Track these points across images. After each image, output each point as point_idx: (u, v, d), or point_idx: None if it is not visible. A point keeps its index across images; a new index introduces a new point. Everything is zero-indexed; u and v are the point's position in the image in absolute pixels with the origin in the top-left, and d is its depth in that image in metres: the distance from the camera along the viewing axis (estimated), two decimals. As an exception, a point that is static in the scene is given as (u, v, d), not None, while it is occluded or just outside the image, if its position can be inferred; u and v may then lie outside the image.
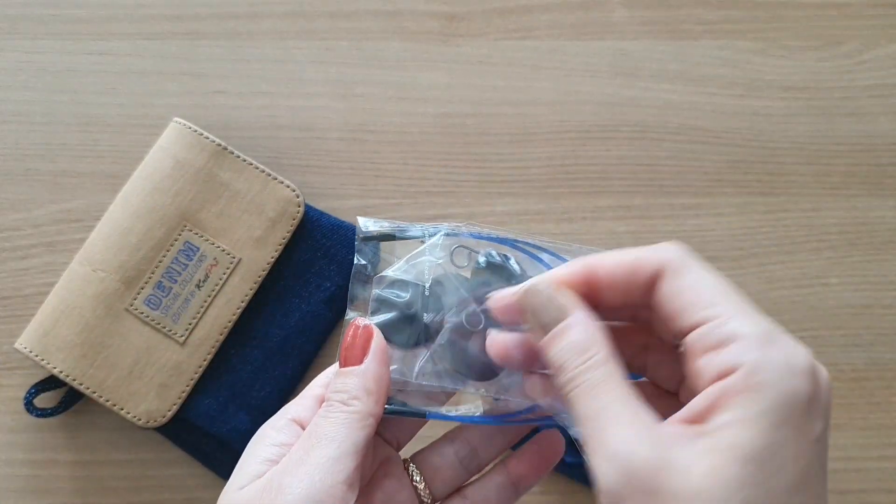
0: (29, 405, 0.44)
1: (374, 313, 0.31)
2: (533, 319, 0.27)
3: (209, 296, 0.45)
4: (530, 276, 0.30)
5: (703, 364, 0.24)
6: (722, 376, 0.23)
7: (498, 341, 0.29)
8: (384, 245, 0.32)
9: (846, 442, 0.47)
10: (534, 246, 0.32)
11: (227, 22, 0.52)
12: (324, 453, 0.27)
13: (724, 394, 0.23)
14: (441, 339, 0.31)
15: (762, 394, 0.23)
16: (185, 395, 0.44)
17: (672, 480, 0.22)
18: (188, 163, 0.46)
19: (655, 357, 0.29)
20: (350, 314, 0.31)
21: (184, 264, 0.45)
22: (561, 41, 0.52)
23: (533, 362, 0.28)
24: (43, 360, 0.44)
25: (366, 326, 0.30)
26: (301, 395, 0.31)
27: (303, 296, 0.47)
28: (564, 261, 0.31)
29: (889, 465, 0.47)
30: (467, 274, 0.32)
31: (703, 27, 0.53)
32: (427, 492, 0.31)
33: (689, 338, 0.25)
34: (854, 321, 0.49)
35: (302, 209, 0.47)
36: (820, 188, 0.51)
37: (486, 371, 0.31)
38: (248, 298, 0.45)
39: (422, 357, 0.31)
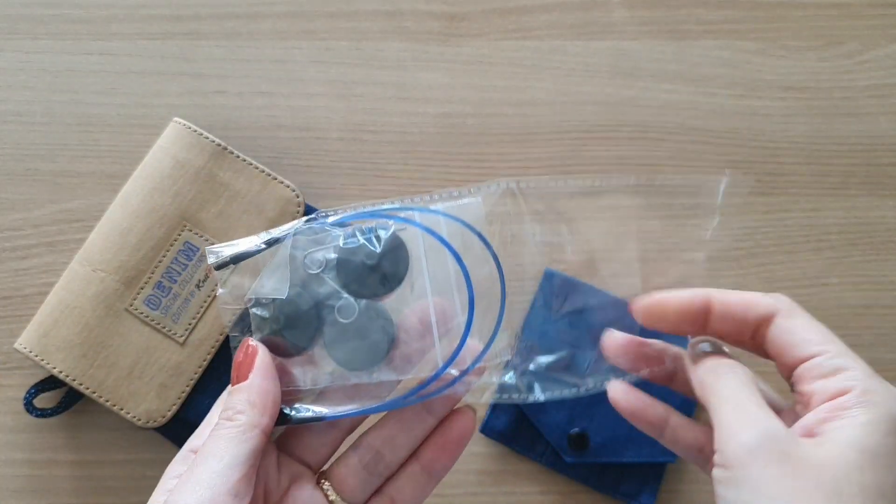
0: (29, 405, 0.44)
1: (256, 331, 0.31)
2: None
3: (209, 296, 0.45)
4: (391, 243, 0.31)
5: (817, 388, 0.28)
6: (834, 398, 0.27)
7: (617, 341, 0.32)
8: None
9: (846, 442, 0.47)
10: (393, 209, 0.32)
11: (227, 22, 0.52)
12: (208, 468, 0.28)
13: (837, 408, 0.27)
14: (325, 339, 0.31)
15: (875, 408, 0.26)
16: (184, 394, 0.44)
17: (803, 449, 0.26)
18: (188, 163, 0.46)
19: None
20: (234, 336, 0.32)
21: (184, 264, 0.45)
22: (561, 41, 0.52)
23: (640, 363, 0.32)
24: (43, 360, 0.44)
25: (251, 346, 0.31)
26: (201, 425, 0.32)
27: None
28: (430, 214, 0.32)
29: (889, 465, 0.47)
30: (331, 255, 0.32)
31: (703, 27, 0.53)
32: (342, 501, 0.32)
33: (803, 367, 0.28)
34: (854, 321, 0.49)
35: (302, 209, 0.47)
36: (820, 188, 0.51)
37: (372, 355, 0.31)
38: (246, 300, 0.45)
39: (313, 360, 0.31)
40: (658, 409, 0.32)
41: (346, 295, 0.31)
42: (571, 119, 0.51)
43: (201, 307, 0.45)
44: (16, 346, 0.44)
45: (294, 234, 0.32)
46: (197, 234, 0.46)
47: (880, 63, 0.52)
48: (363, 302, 0.31)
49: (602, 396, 0.45)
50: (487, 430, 0.46)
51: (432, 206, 0.32)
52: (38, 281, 0.48)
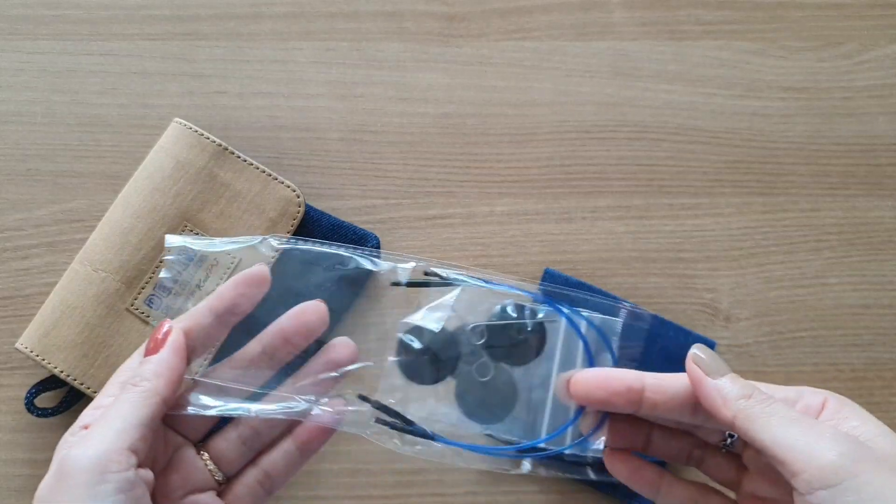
0: (30, 405, 0.44)
1: (398, 355, 0.37)
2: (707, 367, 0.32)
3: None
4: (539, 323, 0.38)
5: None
6: (821, 408, 0.31)
7: (589, 378, 0.33)
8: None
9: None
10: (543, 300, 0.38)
11: (227, 22, 0.52)
12: (111, 426, 0.31)
13: (831, 416, 0.30)
14: (456, 386, 0.37)
15: (852, 406, 0.31)
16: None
17: (881, 450, 0.28)
18: (189, 163, 0.47)
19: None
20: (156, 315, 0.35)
21: (184, 264, 0.45)
22: (560, 42, 0.52)
23: (613, 401, 0.33)
24: (44, 359, 0.44)
25: (170, 327, 0.34)
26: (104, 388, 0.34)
27: (303, 296, 0.47)
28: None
29: (888, 464, 0.47)
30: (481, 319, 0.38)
31: (702, 28, 0.53)
32: (217, 469, 0.35)
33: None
34: (853, 321, 0.49)
35: (302, 209, 0.47)
36: (819, 188, 0.51)
37: (495, 413, 0.37)
38: (248, 298, 0.46)
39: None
40: (652, 470, 0.34)
41: (485, 357, 0.37)
42: (571, 119, 0.51)
43: (202, 307, 0.45)
44: (17, 345, 0.45)
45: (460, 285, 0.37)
46: (198, 234, 0.46)
47: (879, 63, 0.53)
48: (498, 365, 0.37)
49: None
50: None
51: (583, 313, 0.37)
52: (38, 281, 0.48)
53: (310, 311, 0.36)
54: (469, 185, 0.50)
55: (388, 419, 0.35)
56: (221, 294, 0.35)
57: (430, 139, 0.51)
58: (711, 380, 0.31)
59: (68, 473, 0.29)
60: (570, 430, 0.35)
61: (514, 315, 0.38)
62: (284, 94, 0.51)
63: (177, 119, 0.48)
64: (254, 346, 0.35)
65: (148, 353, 0.33)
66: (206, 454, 0.35)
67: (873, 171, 0.51)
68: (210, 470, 0.35)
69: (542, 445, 0.36)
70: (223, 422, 0.36)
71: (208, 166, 0.47)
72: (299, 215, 0.47)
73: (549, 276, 0.48)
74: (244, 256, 0.45)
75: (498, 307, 0.38)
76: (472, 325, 0.37)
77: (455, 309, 0.37)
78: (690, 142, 0.51)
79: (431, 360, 0.37)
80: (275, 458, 0.35)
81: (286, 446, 0.36)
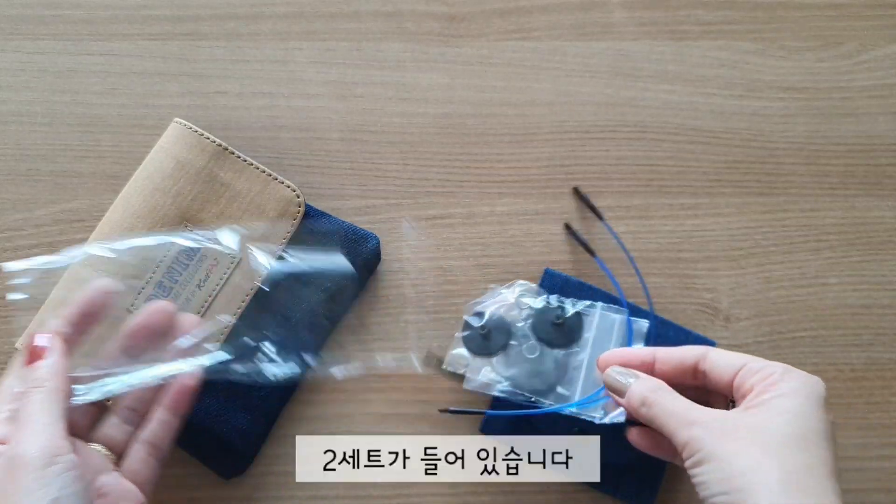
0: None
1: (462, 331, 0.45)
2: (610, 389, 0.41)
3: (210, 296, 0.45)
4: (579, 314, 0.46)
5: (752, 381, 0.37)
6: (765, 378, 0.36)
7: (612, 355, 0.42)
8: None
9: (845, 442, 0.47)
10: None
11: (227, 23, 0.52)
12: (38, 422, 0.35)
13: (766, 383, 0.36)
14: (507, 359, 0.45)
15: (793, 380, 0.36)
16: (185, 394, 0.44)
17: (742, 419, 0.35)
18: (189, 163, 0.47)
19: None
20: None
21: (184, 264, 0.45)
22: (560, 42, 0.52)
23: (656, 447, 0.41)
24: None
25: (50, 336, 0.38)
26: None
27: (303, 296, 0.47)
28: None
29: (888, 464, 0.47)
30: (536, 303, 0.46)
31: (701, 28, 0.53)
32: (110, 452, 0.39)
33: (738, 376, 0.37)
34: (853, 321, 0.49)
35: (302, 209, 0.47)
36: (818, 188, 0.51)
37: (542, 386, 0.44)
38: (248, 299, 0.46)
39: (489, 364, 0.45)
40: (668, 443, 0.38)
41: (533, 339, 0.45)
42: (571, 119, 0.51)
43: (202, 307, 0.45)
44: (17, 345, 0.45)
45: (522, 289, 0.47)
46: (198, 233, 0.46)
47: (879, 63, 0.53)
48: (543, 346, 0.45)
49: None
50: (487, 428, 0.46)
51: (615, 309, 0.46)
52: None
53: (154, 312, 0.41)
54: (469, 185, 0.50)
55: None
56: (71, 308, 0.39)
57: (430, 139, 0.51)
58: (623, 400, 0.39)
59: (18, 466, 0.33)
60: (601, 404, 0.43)
61: (555, 303, 0.46)
62: (284, 94, 0.51)
63: (177, 119, 0.48)
64: (112, 345, 0.40)
65: (32, 360, 0.37)
66: (96, 444, 0.39)
67: (873, 171, 0.51)
68: (105, 454, 0.39)
69: (573, 410, 0.43)
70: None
71: (208, 166, 0.47)
72: (299, 215, 0.47)
73: (549, 276, 0.48)
74: (243, 260, 0.46)
75: (544, 297, 0.46)
76: (524, 311, 0.45)
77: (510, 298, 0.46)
78: (690, 142, 0.51)
79: (487, 336, 0.45)
80: (154, 427, 0.40)
81: (160, 415, 0.40)
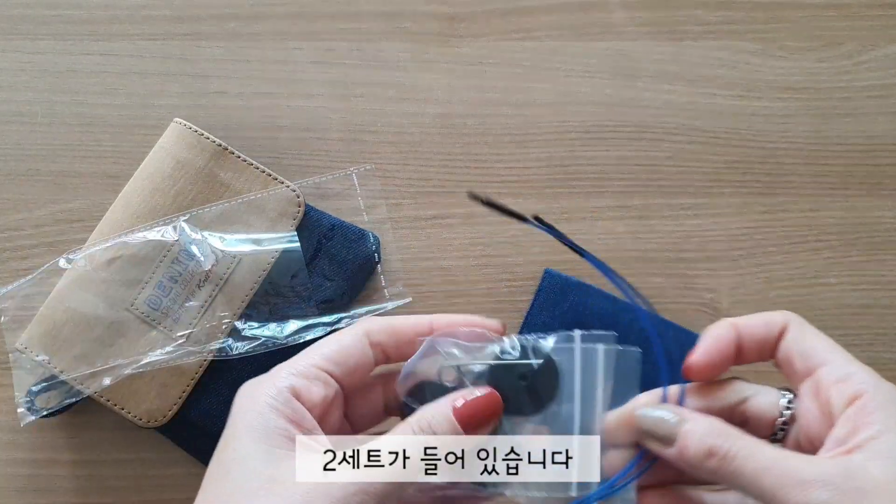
0: (30, 405, 0.44)
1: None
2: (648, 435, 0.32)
3: (210, 296, 0.45)
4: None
5: (835, 393, 0.30)
6: (852, 400, 0.29)
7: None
8: None
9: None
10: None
11: (227, 23, 0.52)
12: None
13: (859, 415, 0.29)
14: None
15: (891, 409, 0.28)
16: (185, 394, 0.44)
17: (865, 475, 0.27)
18: (189, 163, 0.47)
19: None
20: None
21: (184, 264, 0.45)
22: (561, 42, 0.52)
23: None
24: (44, 359, 0.44)
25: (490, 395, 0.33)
26: (298, 361, 0.34)
27: (303, 296, 0.47)
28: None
29: (888, 464, 0.47)
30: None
31: (702, 28, 0.53)
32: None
33: (817, 375, 0.31)
34: (853, 321, 0.49)
35: (302, 209, 0.47)
36: (818, 188, 0.51)
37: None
38: (248, 298, 0.46)
39: None
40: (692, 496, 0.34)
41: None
42: (571, 120, 0.51)
43: (202, 307, 0.45)
44: (16, 345, 0.44)
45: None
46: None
47: (879, 64, 0.53)
48: (510, 419, 0.33)
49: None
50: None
51: (597, 345, 0.34)
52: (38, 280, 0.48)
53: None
54: (469, 185, 0.50)
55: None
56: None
57: (430, 139, 0.51)
58: (672, 451, 0.30)
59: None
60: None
61: (516, 354, 0.33)
62: (284, 94, 0.51)
63: (177, 119, 0.48)
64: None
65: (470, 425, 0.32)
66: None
67: (873, 171, 0.51)
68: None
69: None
70: None
71: (208, 166, 0.47)
72: (299, 215, 0.47)
73: (549, 277, 0.48)
74: (243, 258, 0.46)
75: (496, 347, 0.33)
76: (471, 378, 0.33)
77: (450, 354, 0.33)
78: (690, 142, 0.51)
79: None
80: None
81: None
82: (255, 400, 0.32)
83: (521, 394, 0.33)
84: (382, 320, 0.35)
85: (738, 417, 0.32)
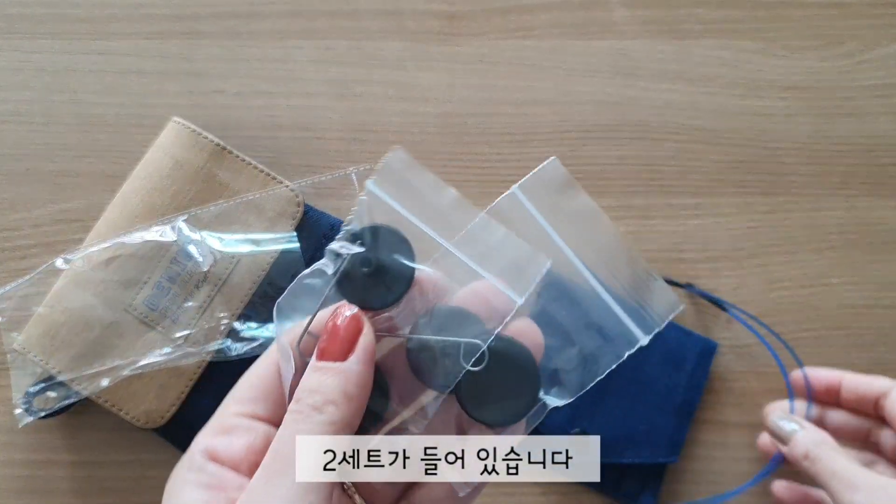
0: (28, 406, 0.44)
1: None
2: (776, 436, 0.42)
3: (208, 296, 0.45)
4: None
5: None
6: None
7: (783, 489, 0.44)
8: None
9: (847, 442, 0.47)
10: None
11: (226, 21, 0.51)
12: (289, 480, 0.23)
13: None
14: (462, 392, 0.29)
15: None
16: (184, 395, 0.44)
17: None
18: (187, 163, 0.46)
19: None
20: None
21: (183, 264, 0.45)
22: (561, 41, 0.52)
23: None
24: (42, 360, 0.44)
25: (354, 316, 0.26)
26: (215, 416, 0.28)
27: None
28: None
29: (890, 465, 0.47)
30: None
31: (703, 27, 0.52)
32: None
33: None
34: (855, 321, 0.49)
35: (301, 209, 0.47)
36: (821, 188, 0.51)
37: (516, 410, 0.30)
38: (247, 299, 0.45)
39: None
40: (816, 493, 0.41)
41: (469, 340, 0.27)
42: (572, 119, 0.51)
43: (201, 307, 0.45)
44: (14, 346, 0.44)
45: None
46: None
47: (881, 63, 0.52)
48: (493, 343, 0.28)
49: (602, 396, 0.45)
50: (488, 430, 0.46)
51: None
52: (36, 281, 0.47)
53: None
54: (469, 185, 0.50)
55: None
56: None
57: (430, 139, 0.51)
58: (786, 449, 0.41)
59: None
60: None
61: (350, 248, 0.29)
62: (283, 93, 0.51)
63: (175, 118, 0.48)
64: None
65: (328, 353, 0.25)
66: (352, 489, 0.30)
67: (875, 170, 0.51)
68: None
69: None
70: None
71: (207, 166, 0.46)
72: (298, 215, 0.47)
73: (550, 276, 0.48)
74: (242, 258, 0.45)
75: (332, 258, 0.28)
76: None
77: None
78: (692, 141, 0.51)
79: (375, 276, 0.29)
80: (425, 491, 0.31)
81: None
82: (173, 479, 0.27)
83: (374, 287, 0.28)
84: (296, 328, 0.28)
85: (880, 410, 0.41)
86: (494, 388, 0.28)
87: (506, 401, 0.28)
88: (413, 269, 0.28)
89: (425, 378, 0.28)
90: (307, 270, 0.28)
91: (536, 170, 0.30)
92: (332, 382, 0.25)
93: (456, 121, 0.51)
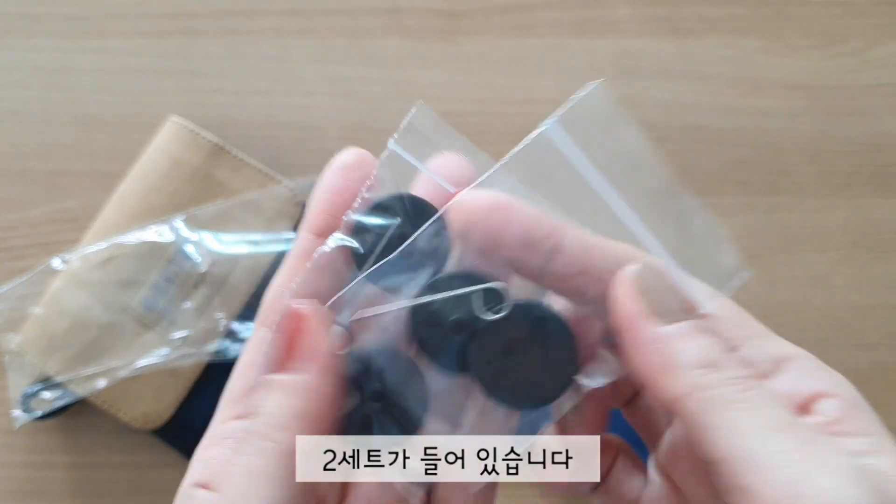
0: (25, 407, 0.44)
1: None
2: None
3: (207, 297, 0.45)
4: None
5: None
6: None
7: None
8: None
9: (850, 444, 0.47)
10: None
11: (224, 20, 0.51)
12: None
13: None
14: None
15: None
16: (182, 397, 0.44)
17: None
18: (185, 162, 0.46)
19: None
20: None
21: (180, 265, 0.45)
22: (563, 39, 0.52)
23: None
24: (38, 361, 0.43)
25: (295, 312, 0.21)
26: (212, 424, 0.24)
27: (301, 296, 0.46)
28: None
29: (894, 467, 0.47)
30: None
31: (706, 25, 0.52)
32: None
33: None
34: (858, 322, 0.49)
35: (300, 209, 0.47)
36: (824, 187, 0.50)
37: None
38: (245, 299, 0.45)
39: None
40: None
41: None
42: (573, 118, 0.51)
43: (199, 308, 0.44)
44: (11, 347, 0.44)
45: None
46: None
47: (885, 61, 0.52)
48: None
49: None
50: (488, 432, 0.45)
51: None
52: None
53: None
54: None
55: None
56: None
57: (430, 138, 0.50)
58: (652, 325, 0.20)
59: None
60: None
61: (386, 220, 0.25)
62: (282, 91, 0.50)
63: (173, 117, 0.47)
64: None
65: (279, 364, 0.21)
66: None
67: (879, 170, 0.51)
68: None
69: None
70: None
71: (205, 165, 0.46)
72: (297, 215, 0.46)
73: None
74: (240, 258, 0.45)
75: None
76: None
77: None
78: (694, 140, 0.51)
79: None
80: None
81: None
82: None
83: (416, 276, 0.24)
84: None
85: None
86: (520, 364, 0.24)
87: (533, 380, 0.24)
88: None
89: (433, 351, 0.25)
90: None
91: (576, 99, 0.25)
92: (282, 401, 0.20)
93: (456, 120, 0.50)
